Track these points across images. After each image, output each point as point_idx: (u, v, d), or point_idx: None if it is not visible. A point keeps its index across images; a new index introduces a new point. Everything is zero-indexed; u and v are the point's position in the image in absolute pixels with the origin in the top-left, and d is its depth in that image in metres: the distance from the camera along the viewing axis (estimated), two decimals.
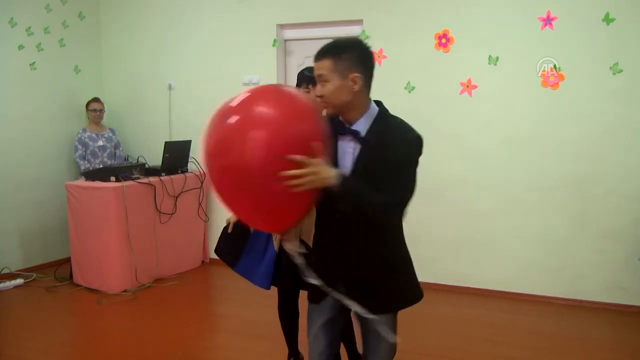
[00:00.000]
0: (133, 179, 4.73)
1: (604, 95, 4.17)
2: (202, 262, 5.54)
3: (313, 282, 1.98)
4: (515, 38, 4.36)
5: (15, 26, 5.16)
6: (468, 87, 4.53)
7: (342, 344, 2.76)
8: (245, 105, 1.78)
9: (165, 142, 5.17)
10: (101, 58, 6.02)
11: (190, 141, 5.26)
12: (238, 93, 1.86)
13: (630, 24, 4.05)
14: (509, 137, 4.46)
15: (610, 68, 4.12)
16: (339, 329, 2.16)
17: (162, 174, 5.01)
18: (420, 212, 4.70)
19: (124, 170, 4.78)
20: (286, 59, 5.30)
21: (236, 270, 2.81)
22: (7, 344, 3.72)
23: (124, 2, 5.85)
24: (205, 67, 5.49)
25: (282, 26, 5.20)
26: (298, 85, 2.83)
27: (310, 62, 2.11)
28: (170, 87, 5.70)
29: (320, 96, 1.89)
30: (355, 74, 1.83)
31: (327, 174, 1.73)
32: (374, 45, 4.74)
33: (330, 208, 1.89)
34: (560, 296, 4.40)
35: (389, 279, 1.98)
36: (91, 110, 5.52)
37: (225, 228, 2.77)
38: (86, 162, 5.40)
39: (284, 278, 2.74)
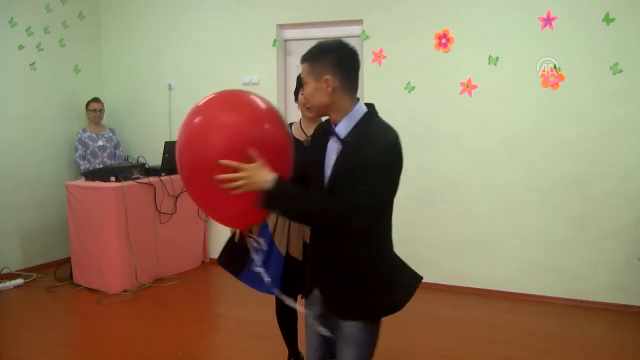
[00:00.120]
0: (133, 179, 4.73)
1: (604, 95, 4.17)
2: (202, 262, 5.54)
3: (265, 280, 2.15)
4: (515, 38, 4.36)
5: (15, 26, 5.17)
6: (468, 87, 4.53)
7: None
8: (200, 109, 1.88)
9: (165, 142, 5.18)
10: (101, 58, 6.02)
11: None
12: (208, 94, 1.93)
13: (630, 24, 4.05)
14: (509, 137, 4.46)
15: (610, 68, 4.12)
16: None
17: (162, 174, 5.01)
18: (420, 212, 4.73)
19: (124, 170, 4.78)
20: (286, 59, 5.30)
21: (240, 279, 2.80)
22: (7, 344, 3.72)
23: (124, 2, 5.85)
24: (205, 67, 5.49)
25: (282, 26, 5.21)
26: (298, 88, 2.86)
27: None
28: (170, 87, 5.70)
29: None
30: (327, 76, 1.85)
31: (261, 179, 1.76)
32: (374, 45, 4.77)
33: None
34: (560, 296, 4.40)
35: (353, 286, 1.93)
36: (91, 110, 5.52)
37: (230, 239, 2.75)
38: (86, 162, 5.40)
39: (290, 284, 2.72)
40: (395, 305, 2.01)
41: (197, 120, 1.85)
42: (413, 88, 4.70)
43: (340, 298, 1.95)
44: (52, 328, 3.98)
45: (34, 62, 5.33)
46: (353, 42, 5.36)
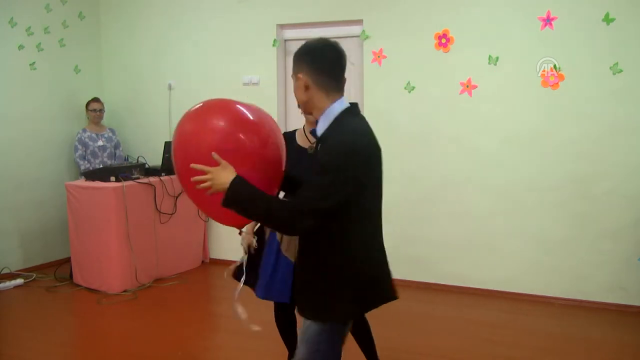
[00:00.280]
0: (133, 179, 4.73)
1: (604, 95, 4.17)
2: (202, 262, 5.54)
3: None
4: (515, 38, 4.36)
5: (15, 26, 5.17)
6: (468, 87, 4.53)
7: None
8: (185, 117, 2.02)
9: (165, 142, 5.18)
10: (101, 58, 6.02)
11: None
12: (200, 101, 2.05)
13: (630, 24, 4.05)
14: (509, 137, 4.46)
15: (610, 68, 4.12)
16: None
17: (162, 174, 5.01)
18: (420, 212, 4.72)
19: (124, 170, 4.78)
20: (286, 59, 5.29)
21: (258, 295, 2.79)
22: (7, 344, 3.72)
23: (124, 2, 5.85)
24: (205, 67, 5.49)
25: (282, 26, 5.20)
26: None
27: None
28: (170, 87, 5.70)
29: None
30: (299, 74, 1.91)
31: (222, 180, 1.83)
32: (374, 45, 4.77)
33: None
34: (560, 296, 4.40)
35: (315, 287, 1.94)
36: (91, 110, 5.52)
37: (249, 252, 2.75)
38: (86, 162, 5.40)
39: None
40: (348, 314, 1.97)
41: (180, 127, 2.01)
42: (413, 88, 4.70)
43: (303, 296, 1.99)
44: (52, 328, 3.98)
45: (34, 62, 5.33)
46: (353, 42, 5.33)
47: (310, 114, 1.99)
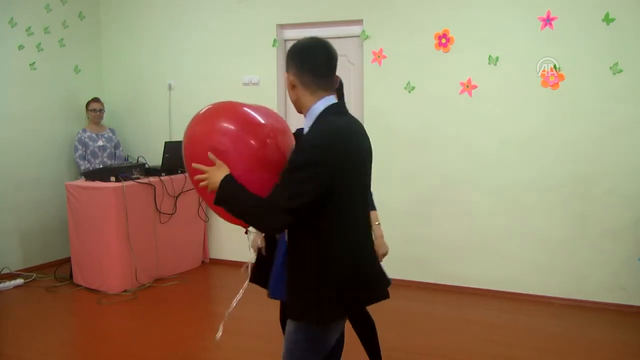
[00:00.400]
0: (133, 179, 4.73)
1: (604, 95, 4.17)
2: (202, 262, 5.54)
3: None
4: (515, 38, 4.36)
5: (15, 26, 5.17)
6: (468, 87, 4.53)
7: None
8: (196, 116, 2.10)
9: (165, 142, 5.18)
10: (101, 58, 6.02)
11: None
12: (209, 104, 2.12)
13: (630, 24, 4.05)
14: (509, 137, 4.46)
15: (610, 68, 4.12)
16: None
17: (162, 174, 5.01)
18: (420, 212, 4.72)
19: (124, 170, 4.78)
20: None
21: (269, 294, 2.80)
22: (7, 344, 3.72)
23: (124, 2, 5.85)
24: (205, 67, 5.49)
25: (282, 26, 5.20)
26: None
27: None
28: (170, 87, 5.70)
29: None
30: (286, 73, 1.95)
31: (215, 179, 1.90)
32: (374, 45, 4.77)
33: None
34: (560, 296, 4.40)
35: (292, 287, 1.95)
36: (91, 110, 5.52)
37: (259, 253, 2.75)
38: (86, 162, 5.40)
39: None
40: (323, 315, 1.92)
41: (187, 128, 2.11)
42: (413, 88, 4.70)
43: (287, 294, 1.99)
44: (52, 328, 3.98)
45: (34, 62, 5.33)
46: (353, 42, 5.33)
47: (301, 112, 2.00)
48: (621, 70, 4.09)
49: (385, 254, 2.77)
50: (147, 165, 5.06)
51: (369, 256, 2.05)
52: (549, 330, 3.90)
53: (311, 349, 1.96)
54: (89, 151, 5.44)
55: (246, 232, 2.22)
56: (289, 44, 5.24)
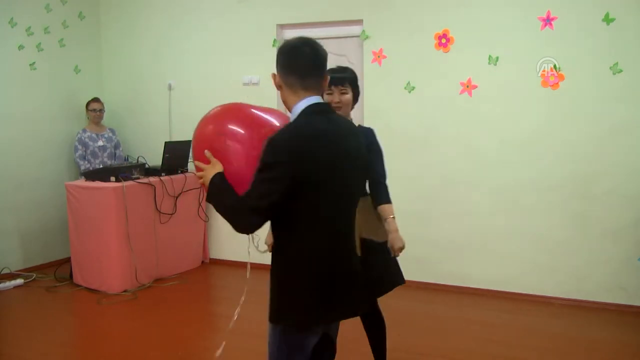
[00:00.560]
0: (133, 179, 4.73)
1: (604, 95, 4.16)
2: (202, 262, 5.54)
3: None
4: (515, 38, 4.36)
5: (15, 26, 5.17)
6: (468, 87, 4.53)
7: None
8: (205, 118, 2.14)
9: (165, 142, 5.17)
10: (101, 58, 6.02)
11: (190, 141, 5.23)
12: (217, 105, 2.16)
13: (630, 24, 4.05)
14: (509, 137, 4.45)
15: (610, 68, 4.12)
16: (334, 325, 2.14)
17: (162, 174, 5.01)
18: (420, 213, 4.72)
19: (124, 170, 4.78)
20: None
21: None
22: (7, 344, 3.72)
23: (124, 2, 5.85)
24: (205, 67, 5.49)
25: (282, 26, 5.20)
26: None
27: None
28: (170, 87, 5.70)
29: None
30: (273, 73, 1.97)
31: (208, 177, 1.96)
32: (374, 45, 4.77)
33: None
34: (560, 296, 4.40)
35: (272, 288, 1.95)
36: (91, 110, 5.52)
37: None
38: (86, 162, 5.40)
39: None
40: (294, 320, 1.90)
41: (196, 128, 2.17)
42: (413, 88, 4.70)
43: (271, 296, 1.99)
44: (52, 328, 3.98)
45: (34, 62, 5.33)
46: (353, 42, 5.33)
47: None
48: (621, 70, 4.09)
49: (402, 248, 2.78)
50: (147, 165, 5.06)
51: (347, 263, 1.96)
52: (549, 330, 3.90)
53: (286, 353, 1.94)
54: (89, 151, 5.44)
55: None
56: None
